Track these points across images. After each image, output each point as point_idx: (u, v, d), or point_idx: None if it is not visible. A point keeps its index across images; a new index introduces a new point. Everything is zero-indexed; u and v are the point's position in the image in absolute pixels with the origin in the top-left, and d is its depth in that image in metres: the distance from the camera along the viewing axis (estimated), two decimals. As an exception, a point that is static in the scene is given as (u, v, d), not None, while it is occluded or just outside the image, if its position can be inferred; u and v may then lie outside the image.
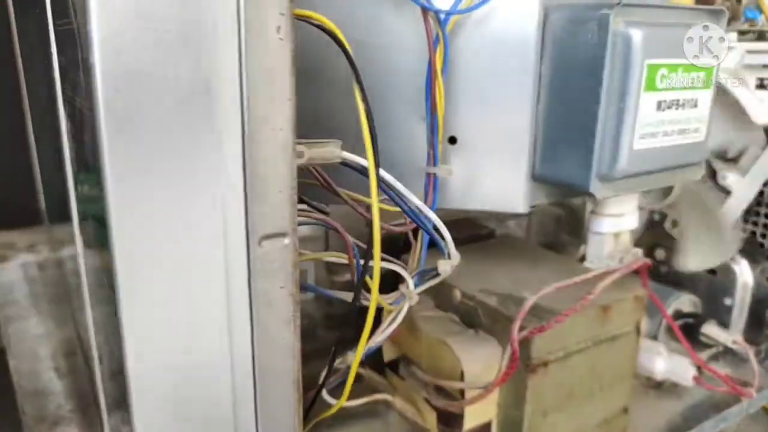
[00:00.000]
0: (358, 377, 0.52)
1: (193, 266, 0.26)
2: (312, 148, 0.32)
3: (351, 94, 0.44)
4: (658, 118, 0.40)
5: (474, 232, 0.61)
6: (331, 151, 0.32)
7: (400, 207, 0.36)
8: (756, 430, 0.63)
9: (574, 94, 0.40)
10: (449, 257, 0.38)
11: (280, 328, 0.28)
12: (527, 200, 0.44)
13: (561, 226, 0.73)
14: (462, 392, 0.45)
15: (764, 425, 0.64)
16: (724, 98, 0.53)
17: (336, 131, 0.45)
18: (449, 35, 0.42)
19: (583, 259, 0.50)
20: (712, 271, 0.64)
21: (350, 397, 0.47)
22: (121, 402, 0.28)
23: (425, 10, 0.39)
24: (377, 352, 0.55)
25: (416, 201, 0.36)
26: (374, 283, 0.31)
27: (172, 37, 0.24)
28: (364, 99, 0.30)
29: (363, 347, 0.33)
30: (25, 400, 0.73)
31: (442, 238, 0.37)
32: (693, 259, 0.62)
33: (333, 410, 0.36)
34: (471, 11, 0.40)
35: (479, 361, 0.45)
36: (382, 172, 0.34)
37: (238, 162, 0.26)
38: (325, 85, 0.45)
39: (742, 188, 0.58)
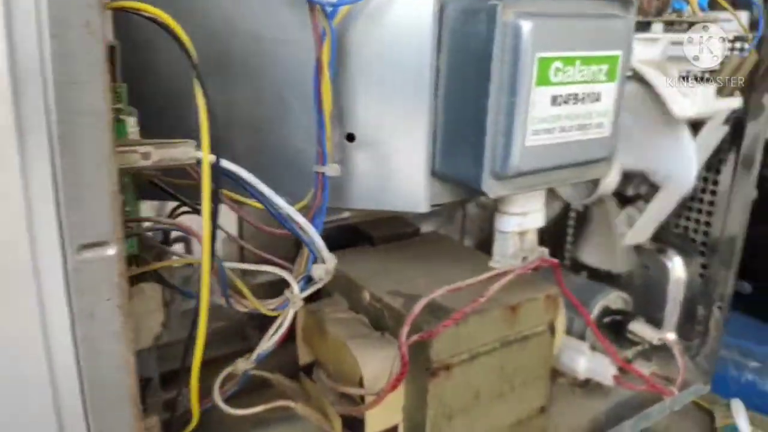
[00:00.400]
0: (267, 383, 0.51)
1: (-2, 280, 0.24)
2: (161, 149, 0.30)
3: (245, 89, 0.43)
4: (554, 113, 0.39)
5: (397, 230, 0.59)
6: (185, 151, 0.30)
7: (267, 209, 0.34)
8: (687, 426, 0.62)
9: (467, 89, 0.39)
10: (323, 261, 0.36)
11: (109, 341, 0.27)
12: (428, 199, 0.43)
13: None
14: (363, 397, 0.44)
15: (695, 420, 0.63)
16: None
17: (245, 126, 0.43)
18: (342, 29, 0.40)
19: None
20: (645, 266, 0.63)
21: (256, 404, 0.46)
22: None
23: (311, 3, 0.37)
24: (290, 355, 0.54)
25: (281, 203, 0.34)
26: (204, 288, 0.30)
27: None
28: (205, 94, 0.28)
29: (200, 354, 0.31)
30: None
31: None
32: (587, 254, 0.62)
33: (191, 425, 0.34)
34: (357, 1, 0.38)
35: (380, 364, 0.44)
36: (243, 172, 0.32)
37: (46, 165, 0.24)
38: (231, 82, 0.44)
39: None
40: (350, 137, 0.43)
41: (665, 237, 0.62)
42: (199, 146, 0.30)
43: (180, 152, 0.31)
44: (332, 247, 0.42)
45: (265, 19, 0.42)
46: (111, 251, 0.26)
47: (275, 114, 0.43)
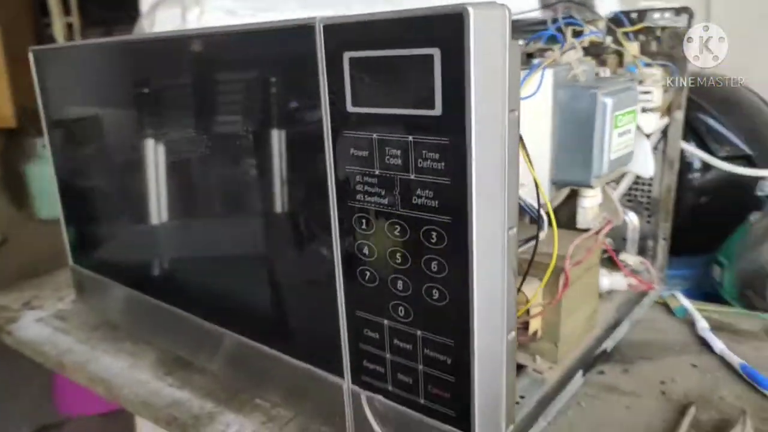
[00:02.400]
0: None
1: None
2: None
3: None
4: (619, 141, 0.74)
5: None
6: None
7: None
8: (653, 314, 1.03)
9: (577, 133, 0.73)
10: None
11: (513, 288, 0.57)
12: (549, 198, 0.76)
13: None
14: (527, 311, 0.76)
15: (658, 310, 1.04)
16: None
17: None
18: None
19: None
20: (614, 222, 1.02)
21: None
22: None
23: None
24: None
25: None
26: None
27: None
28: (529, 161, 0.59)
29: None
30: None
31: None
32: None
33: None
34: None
35: (530, 292, 0.76)
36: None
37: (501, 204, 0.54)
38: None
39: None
40: (504, 164, 0.74)
41: (623, 202, 1.02)
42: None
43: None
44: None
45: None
46: (514, 230, 0.56)
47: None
